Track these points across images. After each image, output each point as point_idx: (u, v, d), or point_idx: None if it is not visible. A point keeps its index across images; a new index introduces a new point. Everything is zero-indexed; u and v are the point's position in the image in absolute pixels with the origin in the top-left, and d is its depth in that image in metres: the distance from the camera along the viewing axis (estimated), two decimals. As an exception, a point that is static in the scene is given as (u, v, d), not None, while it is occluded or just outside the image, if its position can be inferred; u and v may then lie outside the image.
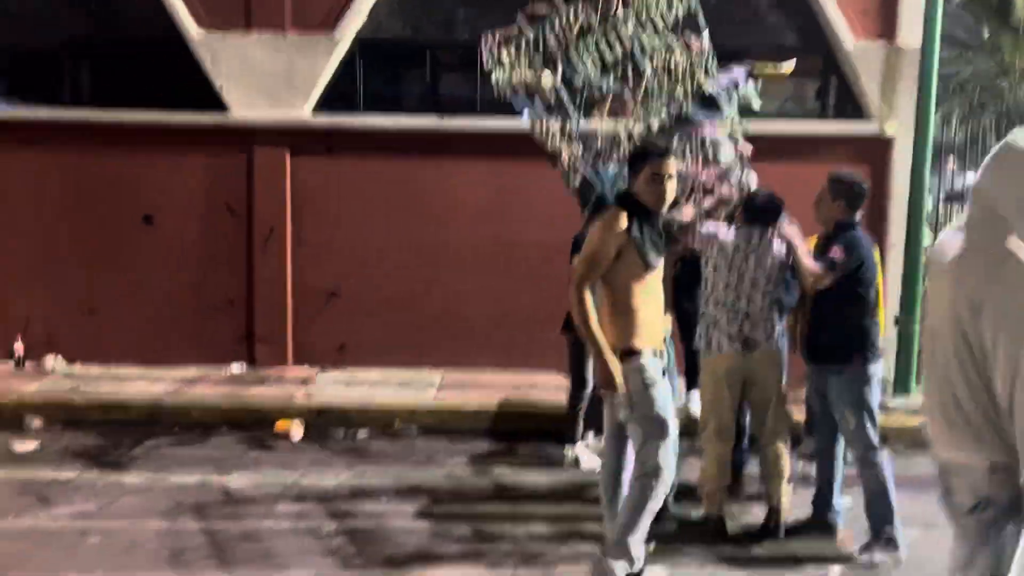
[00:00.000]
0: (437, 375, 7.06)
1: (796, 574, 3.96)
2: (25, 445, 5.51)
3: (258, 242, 7.17)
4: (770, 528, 4.24)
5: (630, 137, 4.09)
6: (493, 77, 4.42)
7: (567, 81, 4.27)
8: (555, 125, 4.27)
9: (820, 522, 4.31)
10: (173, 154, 7.08)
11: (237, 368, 7.16)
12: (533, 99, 4.30)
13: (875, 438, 4.01)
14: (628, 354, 3.41)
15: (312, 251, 7.19)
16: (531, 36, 4.29)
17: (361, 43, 7.15)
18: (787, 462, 4.23)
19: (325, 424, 6.07)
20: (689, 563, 3.98)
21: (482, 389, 6.63)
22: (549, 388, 6.42)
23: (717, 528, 4.27)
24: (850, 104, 7.10)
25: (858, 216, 4.12)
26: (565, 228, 5.14)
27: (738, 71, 4.42)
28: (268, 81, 7.01)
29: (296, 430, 5.90)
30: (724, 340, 4.17)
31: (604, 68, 4.09)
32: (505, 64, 4.29)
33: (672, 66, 4.08)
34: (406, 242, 7.16)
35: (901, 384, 6.51)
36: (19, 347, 7.08)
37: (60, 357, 7.14)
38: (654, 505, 3.48)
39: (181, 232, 7.17)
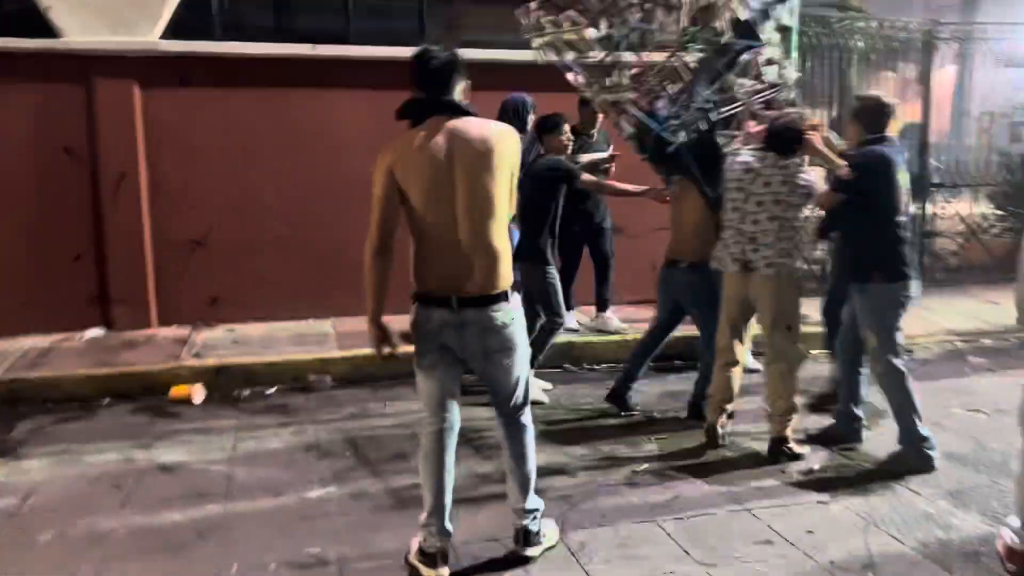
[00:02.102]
0: (327, 324, 6.65)
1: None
2: None
3: (107, 189, 6.27)
4: (772, 453, 4.23)
5: (676, 73, 4.09)
6: (534, 44, 4.35)
7: (608, 37, 4.25)
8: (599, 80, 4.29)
9: (844, 435, 4.40)
10: (-8, 87, 5.96)
11: (93, 334, 6.29)
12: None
13: (894, 358, 4.05)
14: None
15: (173, 196, 6.42)
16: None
17: (216, -40, 6.39)
18: (786, 391, 4.20)
19: (226, 385, 5.52)
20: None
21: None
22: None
23: (709, 438, 4.38)
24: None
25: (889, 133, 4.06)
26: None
27: None
28: (107, 1, 6.06)
29: (198, 393, 5.32)
30: (728, 260, 4.26)
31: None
32: (546, 27, 4.22)
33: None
34: (283, 181, 6.59)
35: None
36: None
37: None
38: None
39: (8, 179, 6.09)
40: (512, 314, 3.00)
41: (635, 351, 5.01)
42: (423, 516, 3.12)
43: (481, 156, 2.84)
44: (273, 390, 5.52)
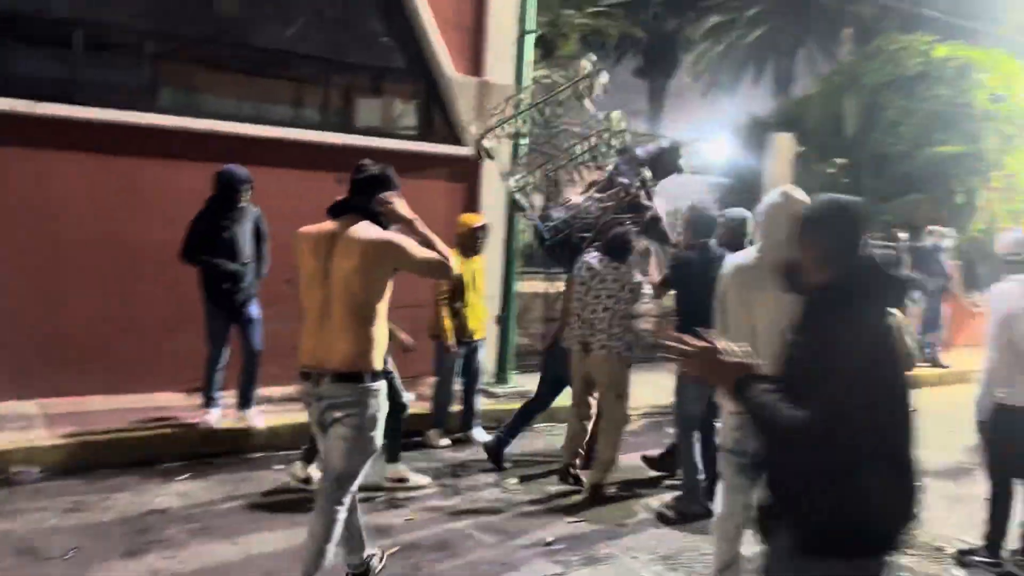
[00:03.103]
0: (30, 406, 5.96)
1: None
2: None
3: None
4: (593, 497, 5.09)
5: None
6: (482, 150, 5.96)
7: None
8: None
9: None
10: None
11: None
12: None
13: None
14: None
15: None
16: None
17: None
18: (610, 444, 5.13)
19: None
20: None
21: (103, 416, 5.78)
22: (182, 408, 5.98)
23: (561, 475, 5.39)
24: (448, 127, 7.84)
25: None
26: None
27: (664, 141, 6.06)
28: None
29: None
30: (573, 341, 5.20)
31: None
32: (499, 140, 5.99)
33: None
34: (-15, 247, 5.89)
35: (501, 374, 7.59)
36: None
37: None
38: None
39: None
40: (366, 398, 3.29)
41: (517, 415, 5.78)
42: None
43: (359, 256, 3.24)
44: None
